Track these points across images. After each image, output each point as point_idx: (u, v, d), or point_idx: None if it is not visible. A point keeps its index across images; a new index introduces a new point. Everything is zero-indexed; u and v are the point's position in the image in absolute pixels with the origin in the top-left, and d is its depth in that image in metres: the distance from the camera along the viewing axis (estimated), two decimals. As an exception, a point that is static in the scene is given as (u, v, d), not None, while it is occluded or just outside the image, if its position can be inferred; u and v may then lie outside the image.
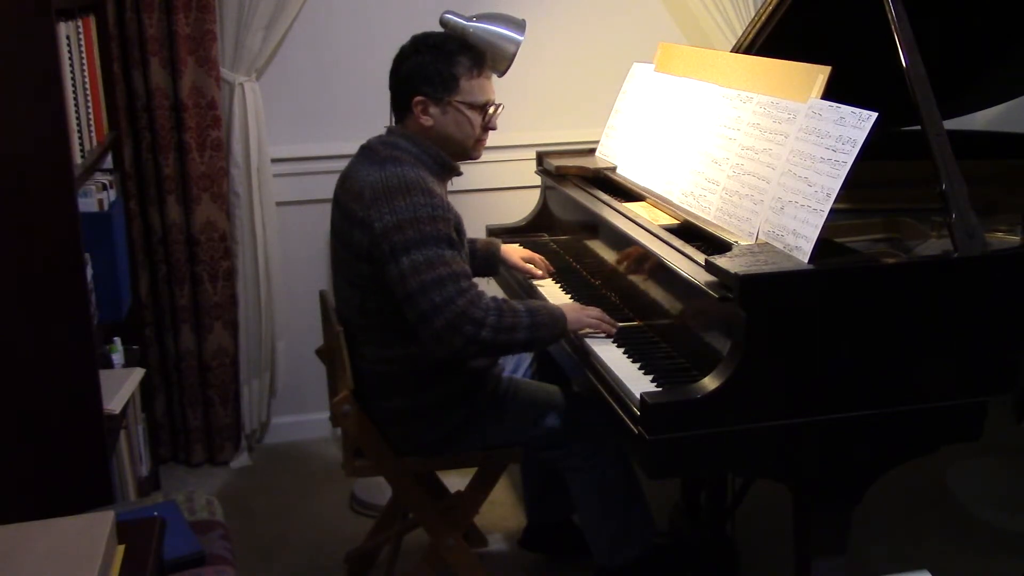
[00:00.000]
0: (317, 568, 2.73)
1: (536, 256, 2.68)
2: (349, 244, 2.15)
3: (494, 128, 2.26)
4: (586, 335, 2.18)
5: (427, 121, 2.18)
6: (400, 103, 2.22)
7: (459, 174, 2.27)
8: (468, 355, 2.09)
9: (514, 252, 2.68)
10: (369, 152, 2.20)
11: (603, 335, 2.17)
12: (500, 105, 2.25)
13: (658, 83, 2.63)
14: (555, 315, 2.12)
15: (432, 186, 2.11)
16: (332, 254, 2.28)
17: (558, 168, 2.80)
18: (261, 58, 3.08)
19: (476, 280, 2.12)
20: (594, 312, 2.20)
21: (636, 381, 1.95)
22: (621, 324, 2.22)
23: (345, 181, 2.21)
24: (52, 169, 2.08)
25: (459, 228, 2.15)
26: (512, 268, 2.67)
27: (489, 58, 2.28)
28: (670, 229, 2.23)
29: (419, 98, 2.17)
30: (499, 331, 2.01)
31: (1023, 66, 2.69)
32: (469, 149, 2.25)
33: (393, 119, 2.27)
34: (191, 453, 3.31)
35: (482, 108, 2.20)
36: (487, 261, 2.61)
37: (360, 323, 2.21)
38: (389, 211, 2.05)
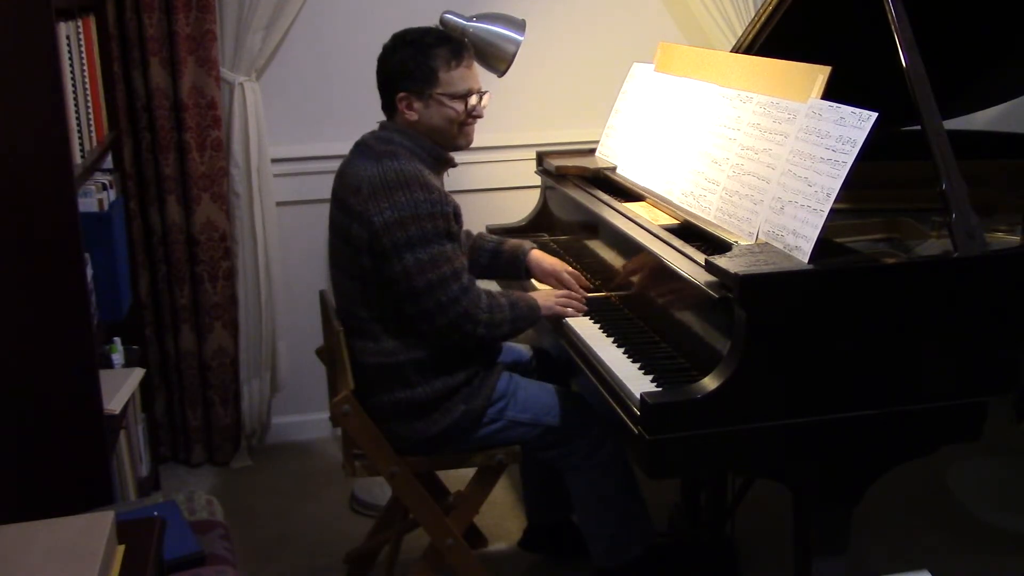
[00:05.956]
0: (317, 568, 2.73)
1: (559, 267, 2.49)
2: (348, 238, 2.17)
3: (480, 116, 2.26)
4: (567, 316, 2.31)
5: (412, 116, 2.21)
6: (386, 100, 2.26)
7: (454, 165, 2.30)
8: (460, 345, 2.21)
9: (542, 262, 2.51)
10: (365, 148, 2.23)
11: (578, 314, 2.32)
12: (486, 92, 2.26)
13: (658, 83, 2.62)
14: (532, 305, 2.28)
15: (429, 179, 2.14)
16: (330, 250, 2.29)
17: (558, 168, 2.80)
18: (261, 58, 3.08)
19: (489, 280, 2.15)
20: (562, 298, 2.34)
21: (636, 381, 1.95)
22: (590, 295, 2.41)
23: (342, 177, 2.24)
24: (52, 169, 2.08)
25: (457, 216, 2.19)
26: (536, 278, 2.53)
27: (489, 58, 2.27)
28: (670, 229, 2.23)
29: (402, 94, 2.20)
30: (490, 327, 2.18)
31: (1023, 66, 2.69)
32: (455, 139, 2.25)
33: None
34: (191, 453, 3.31)
35: (464, 97, 2.21)
36: (511, 264, 2.54)
37: (362, 316, 2.22)
38: (389, 206, 2.09)
